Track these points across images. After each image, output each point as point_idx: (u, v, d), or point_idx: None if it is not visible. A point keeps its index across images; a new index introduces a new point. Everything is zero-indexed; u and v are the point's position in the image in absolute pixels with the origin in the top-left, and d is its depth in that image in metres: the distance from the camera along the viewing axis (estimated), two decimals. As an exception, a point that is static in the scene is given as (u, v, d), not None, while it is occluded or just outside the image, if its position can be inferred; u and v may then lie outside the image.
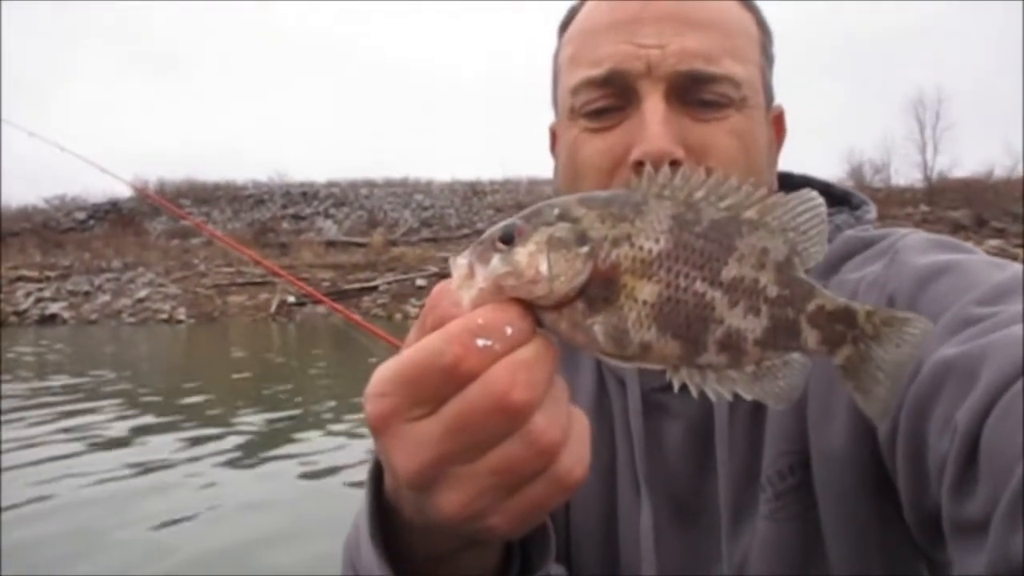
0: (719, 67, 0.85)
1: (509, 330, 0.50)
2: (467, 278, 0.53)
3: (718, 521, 0.87)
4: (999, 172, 33.83)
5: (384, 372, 0.51)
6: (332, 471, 6.15)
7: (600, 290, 0.52)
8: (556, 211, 0.54)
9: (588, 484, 0.92)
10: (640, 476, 0.89)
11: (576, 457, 0.52)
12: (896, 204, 30.70)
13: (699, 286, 0.53)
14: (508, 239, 0.53)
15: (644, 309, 0.53)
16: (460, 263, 0.54)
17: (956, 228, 26.51)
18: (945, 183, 33.59)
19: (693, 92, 0.85)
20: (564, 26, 0.97)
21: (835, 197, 1.00)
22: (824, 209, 0.56)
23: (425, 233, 39.18)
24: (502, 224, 0.54)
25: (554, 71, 0.99)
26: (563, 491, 0.51)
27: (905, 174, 37.63)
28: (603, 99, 0.88)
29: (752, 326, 0.54)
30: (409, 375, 0.49)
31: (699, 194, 0.55)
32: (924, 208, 29.87)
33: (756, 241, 0.55)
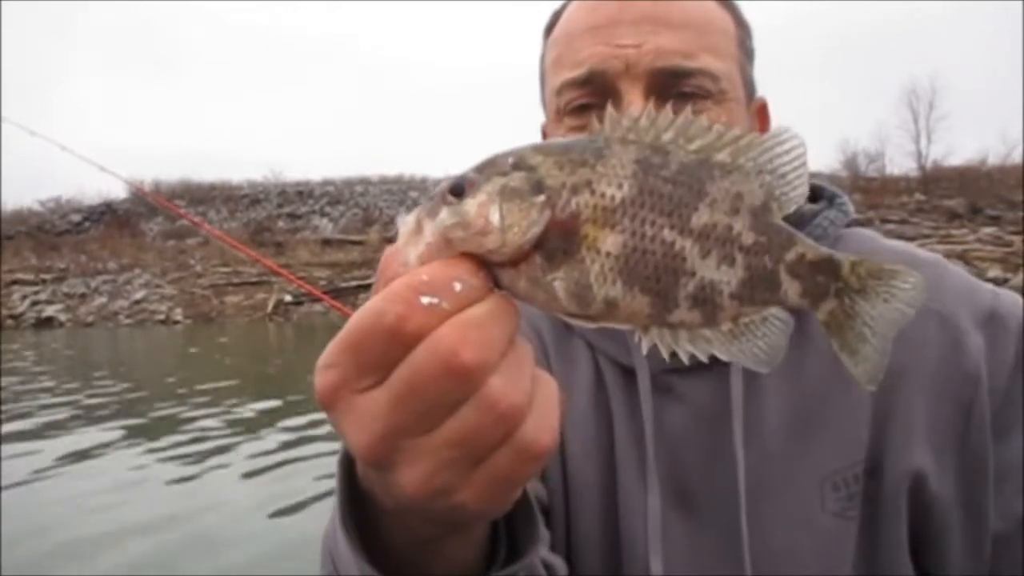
0: (696, 62, 0.88)
1: (458, 286, 0.46)
2: (414, 234, 0.49)
3: (727, 504, 0.88)
4: (993, 160, 33.91)
5: (332, 343, 0.48)
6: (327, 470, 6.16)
7: (559, 242, 0.48)
8: (511, 160, 0.49)
9: (588, 475, 0.93)
10: (649, 459, 0.90)
11: (543, 424, 0.47)
12: (891, 193, 30.72)
13: (667, 234, 0.49)
14: (459, 191, 0.48)
15: (608, 261, 0.48)
16: (407, 219, 0.50)
17: (951, 216, 26.52)
18: (940, 172, 33.58)
19: (672, 87, 0.88)
20: (548, 29, 1.01)
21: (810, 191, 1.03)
22: (804, 149, 0.52)
23: (421, 230, 39.00)
24: (453, 177, 0.50)
25: (541, 73, 1.02)
26: (530, 460, 0.47)
27: (900, 164, 37.63)
28: (584, 97, 0.91)
29: (727, 278, 0.50)
30: (353, 342, 0.46)
31: (667, 136, 0.50)
32: (919, 197, 29.87)
33: (729, 185, 0.50)
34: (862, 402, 0.87)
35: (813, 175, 1.04)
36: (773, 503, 0.87)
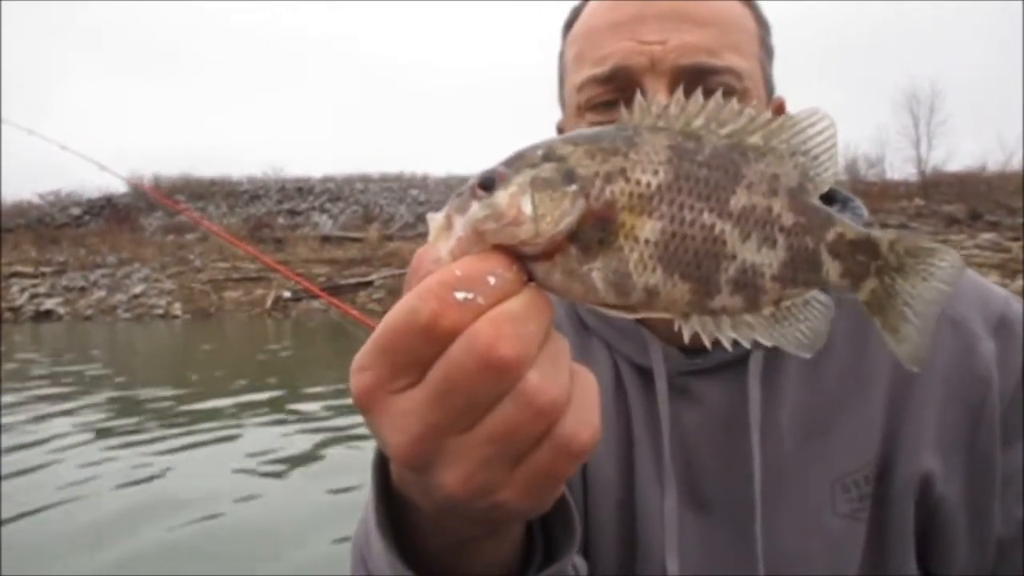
0: (721, 60, 0.87)
1: (492, 280, 0.45)
2: (444, 230, 0.48)
3: (741, 506, 0.88)
4: (993, 166, 33.88)
5: (365, 345, 0.47)
6: (332, 469, 6.15)
7: (595, 231, 0.47)
8: (540, 152, 0.49)
9: (606, 474, 0.94)
10: (666, 460, 0.91)
11: (582, 420, 0.46)
12: (891, 198, 30.66)
13: (706, 218, 0.48)
14: (488, 185, 0.48)
15: (647, 249, 0.48)
16: (436, 216, 0.49)
17: (950, 222, 26.50)
18: (939, 177, 33.51)
19: (697, 85, 0.87)
20: (568, 26, 1.00)
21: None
22: (835, 130, 0.52)
23: (421, 228, 38.79)
24: (482, 172, 0.49)
25: (560, 70, 1.02)
26: (571, 456, 0.46)
27: (899, 168, 37.59)
28: (608, 94, 0.90)
29: (768, 260, 0.49)
30: (387, 342, 0.45)
31: (697, 122, 0.50)
32: (918, 202, 29.81)
33: (764, 167, 0.50)
34: (875, 405, 0.87)
35: None
36: (785, 505, 0.88)
